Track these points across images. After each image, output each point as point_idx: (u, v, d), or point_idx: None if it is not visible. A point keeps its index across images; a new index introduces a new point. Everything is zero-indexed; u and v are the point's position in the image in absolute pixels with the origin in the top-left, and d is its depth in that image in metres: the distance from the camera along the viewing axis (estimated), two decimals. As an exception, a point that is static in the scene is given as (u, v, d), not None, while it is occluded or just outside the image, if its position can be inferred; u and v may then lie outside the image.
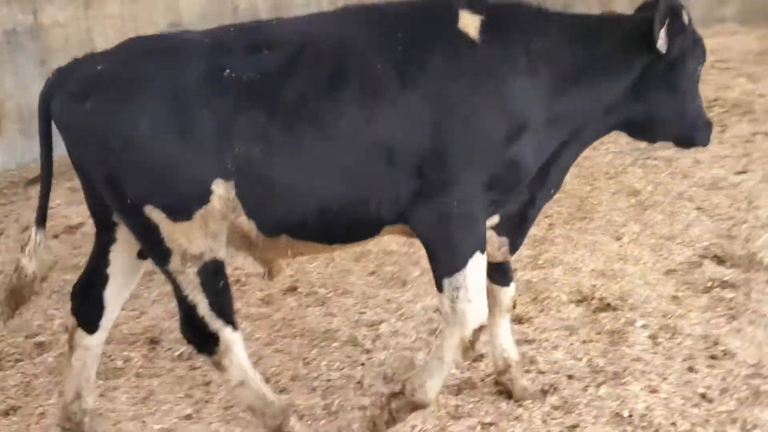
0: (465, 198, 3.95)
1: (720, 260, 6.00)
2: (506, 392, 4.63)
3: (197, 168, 3.81)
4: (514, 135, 3.96)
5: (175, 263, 3.95)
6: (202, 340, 4.08)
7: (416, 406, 4.18)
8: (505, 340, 4.63)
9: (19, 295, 4.18)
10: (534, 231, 6.55)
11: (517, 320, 5.34)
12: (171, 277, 4.03)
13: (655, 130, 4.41)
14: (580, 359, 4.88)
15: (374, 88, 3.87)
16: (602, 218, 6.95)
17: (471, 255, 3.98)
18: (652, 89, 4.20)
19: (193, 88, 3.81)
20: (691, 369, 4.67)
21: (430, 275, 5.75)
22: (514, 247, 4.45)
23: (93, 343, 4.36)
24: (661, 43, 4.01)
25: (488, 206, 4.09)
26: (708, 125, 4.42)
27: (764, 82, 11.02)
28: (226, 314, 4.06)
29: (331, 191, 3.92)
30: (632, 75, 4.14)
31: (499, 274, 4.50)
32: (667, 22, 4.00)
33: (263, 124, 3.80)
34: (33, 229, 4.13)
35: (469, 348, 4.09)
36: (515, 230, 4.39)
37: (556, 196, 4.59)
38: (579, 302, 5.57)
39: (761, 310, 5.18)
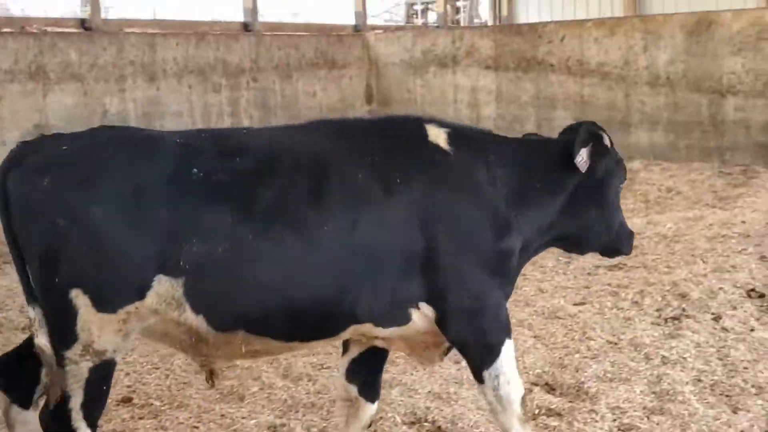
0: (476, 292, 4.30)
1: (550, 388, 6.18)
2: None
3: (141, 263, 3.88)
4: (501, 230, 4.37)
5: (74, 352, 3.94)
6: (59, 430, 4.02)
7: None
8: None
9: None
10: (376, 351, 6.72)
11: (348, 439, 5.43)
12: (60, 362, 3.97)
13: (586, 243, 4.95)
14: (405, 481, 4.95)
15: (358, 195, 4.13)
16: (444, 342, 7.10)
17: (503, 342, 4.38)
18: (582, 205, 4.70)
19: (156, 186, 3.92)
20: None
21: (269, 391, 5.90)
22: None
23: (29, 417, 4.30)
24: (581, 162, 4.47)
25: (502, 295, 4.44)
26: (630, 235, 5.00)
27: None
28: (93, 418, 4.06)
29: (304, 289, 4.07)
30: (566, 193, 4.63)
31: (369, 388, 4.80)
32: (590, 145, 4.51)
33: (230, 224, 3.93)
34: (29, 309, 4.09)
35: (526, 419, 4.48)
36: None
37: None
38: (412, 424, 5.65)
39: (580, 439, 5.36)
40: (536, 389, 6.11)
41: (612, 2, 23.93)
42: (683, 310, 7.52)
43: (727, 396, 5.88)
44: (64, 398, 3.99)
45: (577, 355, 6.73)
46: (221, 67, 15.06)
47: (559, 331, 7.29)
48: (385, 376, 6.25)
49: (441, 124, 4.56)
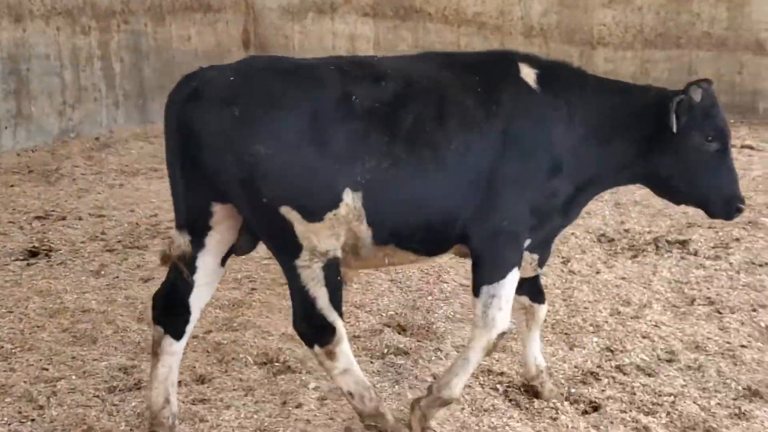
0: (513, 218, 4.70)
1: (401, 329, 6.42)
2: (534, 394, 5.34)
3: (332, 178, 4.38)
4: (554, 171, 4.74)
5: (303, 259, 4.46)
6: (318, 331, 4.57)
7: (444, 402, 4.84)
8: (537, 350, 5.36)
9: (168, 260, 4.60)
10: (235, 294, 6.91)
11: (199, 380, 5.59)
12: (294, 272, 4.50)
13: (669, 194, 5.16)
14: (250, 418, 5.13)
15: (469, 120, 4.61)
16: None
17: (510, 269, 4.74)
18: (658, 155, 4.87)
19: (330, 109, 4.40)
20: (348, 429, 5.01)
21: (122, 334, 6.02)
22: (542, 263, 5.20)
23: (178, 348, 4.79)
24: (675, 126, 4.71)
25: (528, 230, 4.79)
26: (729, 200, 4.93)
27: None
28: (340, 307, 4.60)
29: (438, 207, 4.61)
30: (637, 139, 4.88)
31: (536, 292, 5.31)
32: (677, 105, 4.71)
33: (387, 143, 4.43)
34: (175, 233, 4.54)
35: (491, 350, 4.85)
36: (544, 249, 5.15)
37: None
38: (263, 364, 5.84)
39: (422, 375, 5.62)
40: (387, 330, 6.35)
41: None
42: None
43: (566, 334, 6.25)
44: (311, 301, 4.51)
45: (429, 297, 7.02)
46: (90, 9, 14.75)
47: (415, 275, 7.55)
48: (240, 318, 6.49)
49: (534, 63, 4.92)
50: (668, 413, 5.08)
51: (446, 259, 7.85)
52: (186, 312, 4.72)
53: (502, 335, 4.81)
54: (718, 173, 4.89)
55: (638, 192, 9.21)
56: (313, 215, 4.40)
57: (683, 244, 8.09)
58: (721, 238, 8.18)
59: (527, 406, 5.22)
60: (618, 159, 4.95)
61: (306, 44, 18.11)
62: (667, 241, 8.16)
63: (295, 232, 4.41)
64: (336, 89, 4.45)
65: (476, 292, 4.79)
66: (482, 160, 4.61)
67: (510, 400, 5.32)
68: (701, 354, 5.90)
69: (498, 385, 5.51)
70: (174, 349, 4.74)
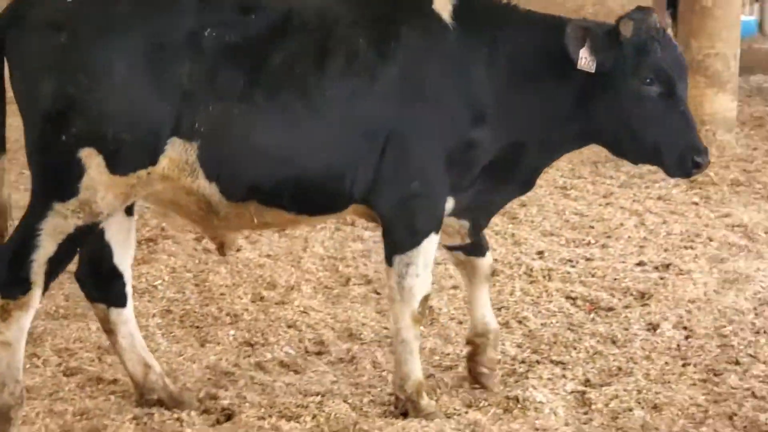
0: (426, 178, 4.79)
1: None
2: (471, 354, 5.49)
3: (158, 124, 4.45)
4: (473, 119, 4.81)
5: (67, 206, 4.47)
6: (13, 280, 4.49)
7: (418, 390, 5.03)
8: (484, 307, 5.44)
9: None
10: None
11: None
12: (43, 211, 4.48)
13: (620, 151, 5.15)
14: None
15: (357, 62, 4.68)
16: None
17: (427, 234, 4.85)
18: (593, 103, 4.87)
19: (174, 43, 4.46)
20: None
21: None
22: (475, 231, 5.29)
23: (129, 314, 5.04)
24: (584, 62, 4.69)
25: (447, 189, 4.86)
26: (685, 152, 4.81)
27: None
28: (50, 277, 4.58)
29: (312, 159, 4.69)
30: (572, 85, 4.85)
31: (472, 247, 5.34)
32: (587, 40, 4.69)
33: (245, 87, 4.51)
34: None
35: (419, 319, 5.01)
36: (478, 217, 5.26)
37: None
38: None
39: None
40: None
41: None
42: (162, 230, 7.77)
43: (197, 327, 6.23)
44: (29, 247, 4.48)
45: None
46: None
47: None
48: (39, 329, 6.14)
49: None
50: (314, 416, 5.14)
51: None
52: (118, 275, 4.96)
53: (425, 299, 5.02)
54: (666, 122, 4.86)
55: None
56: (119, 167, 4.46)
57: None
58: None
59: (146, 420, 5.13)
60: (556, 110, 4.96)
61: None
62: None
63: (82, 179, 4.45)
64: (187, 20, 4.52)
65: (389, 261, 4.95)
66: (374, 109, 4.72)
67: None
68: (355, 343, 6.06)
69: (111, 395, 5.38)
70: (125, 317, 5.01)
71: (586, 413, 5.23)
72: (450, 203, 5.00)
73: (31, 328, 6.00)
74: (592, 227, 8.13)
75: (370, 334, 6.20)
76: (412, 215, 4.87)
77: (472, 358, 5.47)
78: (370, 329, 6.26)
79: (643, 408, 5.27)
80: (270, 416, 5.15)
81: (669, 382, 5.56)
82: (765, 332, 6.18)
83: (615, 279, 7.05)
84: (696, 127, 4.97)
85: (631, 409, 5.25)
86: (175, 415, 5.14)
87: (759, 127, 12.68)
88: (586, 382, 5.57)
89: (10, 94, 4.67)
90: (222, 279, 6.96)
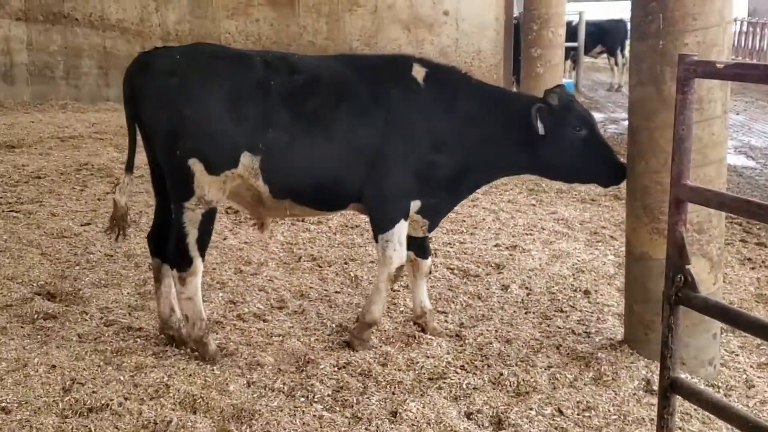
0: (397, 183, 5.00)
1: (51, 296, 6.07)
2: (422, 329, 5.53)
3: (236, 142, 4.76)
4: (434, 147, 5.00)
5: (191, 203, 4.82)
6: (181, 259, 4.91)
7: (369, 325, 5.25)
8: (422, 295, 5.56)
9: (120, 223, 5.13)
10: None
11: None
12: (180, 211, 4.84)
13: (560, 177, 5.38)
14: None
15: (358, 108, 4.94)
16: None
17: (398, 221, 5.06)
18: (540, 151, 4.98)
19: (248, 89, 4.77)
20: None
21: None
22: (431, 228, 5.42)
23: (170, 270, 5.10)
24: (540, 130, 4.87)
25: (413, 192, 5.05)
26: (614, 171, 5.02)
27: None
28: (203, 249, 4.95)
29: (326, 172, 4.94)
30: (521, 141, 5.00)
31: (420, 250, 5.48)
32: (537, 112, 4.87)
33: (290, 121, 4.80)
34: (123, 174, 5.08)
35: (393, 280, 5.23)
36: (434, 217, 5.36)
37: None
38: None
39: (68, 336, 5.36)
40: (37, 298, 5.98)
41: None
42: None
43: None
44: (183, 236, 4.86)
45: (77, 267, 6.68)
46: None
47: (64, 248, 7.17)
48: (87, 294, 6.07)
49: (426, 63, 5.19)
50: (277, 350, 5.20)
51: (93, 233, 7.56)
52: None
53: (400, 268, 5.16)
54: (596, 152, 4.99)
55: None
56: (214, 169, 4.75)
57: (293, 213, 8.30)
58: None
59: (161, 354, 5.11)
60: (500, 153, 5.11)
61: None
62: (280, 211, 8.34)
63: (194, 180, 4.74)
64: (257, 74, 4.80)
65: (375, 239, 5.15)
66: (367, 139, 4.91)
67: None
68: (305, 301, 6.10)
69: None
70: (169, 272, 5.10)
71: (461, 345, 5.33)
72: (417, 203, 5.14)
73: (81, 293, 6.07)
74: (464, 221, 8.22)
75: (315, 294, 6.23)
76: (388, 206, 5.06)
77: (424, 332, 5.51)
78: (315, 291, 6.29)
79: (499, 342, 5.39)
80: (247, 350, 5.19)
81: (516, 324, 5.68)
82: (579, 290, 6.34)
83: (479, 256, 7.15)
84: (612, 149, 5.11)
85: (491, 343, 5.36)
86: (182, 351, 5.15)
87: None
88: (461, 325, 5.67)
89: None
90: (213, 258, 6.92)
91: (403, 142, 4.99)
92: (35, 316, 5.65)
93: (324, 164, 4.93)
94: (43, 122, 13.91)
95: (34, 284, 6.27)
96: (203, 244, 4.93)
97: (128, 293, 6.15)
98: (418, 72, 5.12)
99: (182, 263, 4.92)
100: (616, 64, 20.39)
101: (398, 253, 5.11)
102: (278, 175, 4.88)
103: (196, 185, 4.77)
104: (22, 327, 5.48)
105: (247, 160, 4.80)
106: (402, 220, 5.09)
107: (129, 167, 5.04)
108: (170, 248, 4.96)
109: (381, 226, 5.11)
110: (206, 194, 4.80)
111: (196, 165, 4.74)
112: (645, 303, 4.91)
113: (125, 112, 4.94)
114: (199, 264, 4.94)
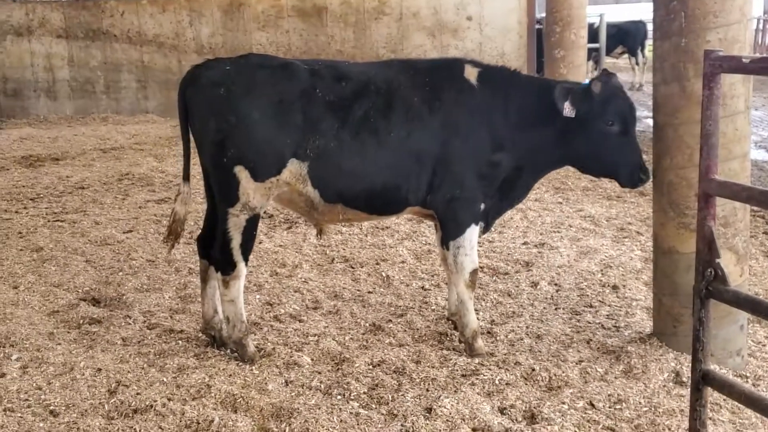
0: (466, 187, 4.84)
1: (95, 302, 6.09)
2: (454, 326, 5.44)
3: (283, 150, 4.70)
4: (494, 147, 4.86)
5: (236, 208, 4.78)
6: (225, 263, 4.89)
7: (474, 338, 5.07)
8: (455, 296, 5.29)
9: (176, 232, 5.06)
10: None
11: None
12: (226, 216, 4.81)
13: (588, 170, 5.14)
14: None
15: (412, 114, 4.81)
16: (4, 271, 6.73)
17: (468, 225, 4.94)
18: (572, 138, 4.84)
19: (294, 97, 4.69)
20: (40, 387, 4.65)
21: None
22: (486, 229, 5.23)
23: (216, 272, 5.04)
24: (567, 111, 4.73)
25: (481, 194, 4.89)
26: (632, 170, 4.83)
27: (168, 160, 11.52)
28: (246, 254, 4.91)
29: (378, 178, 4.81)
30: (557, 126, 4.83)
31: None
32: (569, 96, 4.72)
33: (338, 128, 4.71)
34: (181, 183, 5.04)
35: (471, 286, 5.04)
36: (491, 219, 5.21)
37: None
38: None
39: (113, 339, 5.37)
40: (83, 304, 6.00)
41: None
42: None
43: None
44: (227, 240, 4.83)
45: (120, 273, 6.71)
46: None
47: (108, 254, 7.20)
48: (130, 299, 6.07)
49: (477, 64, 5.06)
50: (313, 349, 5.17)
51: (135, 240, 7.59)
52: None
53: (474, 272, 5.03)
54: (622, 151, 4.82)
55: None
56: (258, 176, 4.70)
57: (326, 216, 8.27)
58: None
59: (202, 356, 5.10)
60: (543, 143, 4.95)
61: (7, 62, 16.85)
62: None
63: (239, 187, 4.71)
64: (303, 83, 4.72)
65: (446, 246, 5.02)
66: (424, 144, 4.80)
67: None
68: (339, 301, 6.07)
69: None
70: (215, 273, 5.04)
71: (493, 342, 5.27)
72: (482, 205, 5.01)
73: (124, 298, 6.09)
74: (493, 220, 8.13)
75: (349, 294, 6.20)
76: (458, 212, 4.94)
77: (455, 327, 5.42)
78: (349, 291, 6.27)
79: (530, 338, 5.32)
80: (284, 350, 5.17)
81: (546, 320, 5.61)
82: (608, 285, 6.25)
83: (508, 254, 7.08)
84: (641, 154, 4.89)
85: (522, 339, 5.30)
86: (222, 352, 5.14)
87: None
88: (492, 322, 5.61)
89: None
90: (250, 262, 6.83)
91: (466, 144, 4.86)
92: (81, 321, 5.67)
93: (374, 170, 4.82)
94: (86, 135, 14.01)
95: (80, 290, 6.30)
96: (247, 249, 4.90)
97: (169, 297, 6.16)
98: (471, 72, 5.00)
99: (226, 267, 4.90)
100: (637, 63, 20.20)
101: (470, 257, 5.01)
102: (328, 179, 4.81)
103: (241, 192, 4.74)
104: (68, 332, 5.50)
105: (294, 167, 4.75)
106: (473, 225, 4.98)
107: (186, 176, 5.03)
108: (215, 252, 4.95)
109: (452, 232, 4.99)
110: (251, 201, 4.76)
111: (242, 172, 4.71)
112: (673, 296, 4.82)
113: (180, 123, 4.94)
114: (242, 268, 4.92)
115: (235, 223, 4.81)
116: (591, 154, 4.91)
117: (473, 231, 4.99)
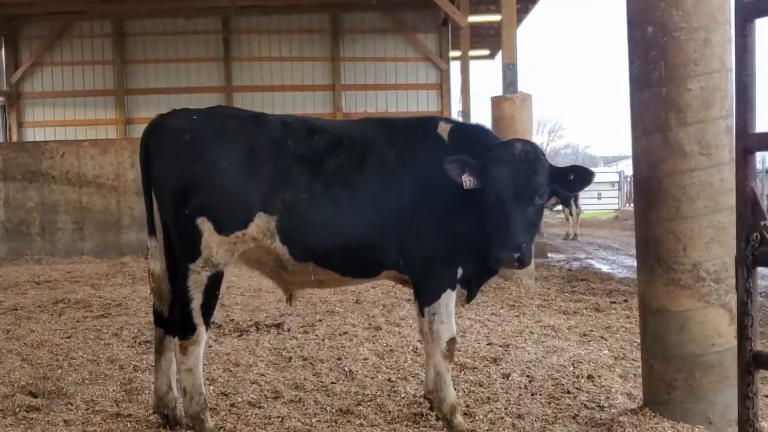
0: (439, 249, 4.50)
1: (33, 394, 5.47)
2: (430, 406, 4.93)
3: (250, 202, 4.38)
4: (468, 202, 4.43)
5: (198, 264, 4.39)
6: (183, 327, 4.44)
7: (453, 410, 4.66)
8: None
9: (162, 291, 4.63)
10: None
11: None
12: (185, 273, 4.41)
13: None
14: None
15: (386, 169, 4.54)
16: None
17: (444, 290, 4.56)
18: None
19: (264, 148, 4.42)
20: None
21: None
22: (470, 298, 4.85)
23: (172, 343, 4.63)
24: (466, 185, 4.36)
25: (457, 257, 4.54)
26: (494, 251, 4.17)
27: (106, 288, 10.98)
28: (207, 316, 4.46)
29: (351, 233, 4.48)
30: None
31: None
32: (465, 171, 4.35)
33: (309, 181, 4.43)
34: (148, 240, 4.61)
35: (448, 356, 4.66)
36: (472, 288, 4.80)
37: None
38: None
39: (54, 421, 4.80)
40: (18, 394, 5.40)
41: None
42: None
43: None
44: (187, 300, 4.41)
45: (59, 371, 6.11)
46: None
47: (45, 355, 6.59)
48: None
49: (450, 122, 4.82)
50: (278, 429, 4.67)
51: (78, 343, 7.01)
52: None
53: (452, 341, 4.63)
54: (492, 223, 4.29)
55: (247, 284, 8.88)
56: (222, 229, 4.37)
57: (278, 326, 7.85)
58: (307, 321, 8.08)
59: None
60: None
61: (-59, 204, 16.37)
62: (266, 325, 7.90)
63: (201, 240, 4.36)
64: (273, 134, 4.48)
65: (420, 313, 4.64)
66: (397, 200, 4.50)
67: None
68: (301, 391, 5.58)
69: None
70: (171, 344, 4.64)
71: (472, 421, 4.86)
72: (459, 271, 4.64)
73: (65, 390, 5.50)
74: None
75: (311, 386, 5.72)
76: (433, 276, 4.58)
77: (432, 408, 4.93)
78: (310, 383, 5.78)
79: (511, 417, 4.93)
80: (246, 429, 4.64)
81: (524, 404, 5.23)
82: (582, 377, 5.90)
83: (474, 351, 6.73)
84: (514, 230, 4.15)
85: (502, 418, 4.91)
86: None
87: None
88: (467, 407, 5.19)
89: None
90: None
91: (436, 202, 4.52)
92: (17, 410, 5.07)
93: (346, 225, 4.48)
94: (18, 272, 13.38)
95: (15, 385, 5.69)
96: (208, 310, 4.46)
97: (114, 390, 5.59)
98: (444, 129, 4.74)
99: (185, 330, 4.45)
100: (571, 214, 20.65)
101: (447, 325, 4.60)
102: (297, 234, 4.46)
103: (203, 245, 4.38)
104: (3, 418, 4.89)
105: (261, 220, 4.41)
106: (449, 290, 4.60)
107: (151, 230, 4.62)
108: (174, 314, 4.51)
109: (426, 297, 4.60)
110: (214, 256, 4.39)
111: (204, 224, 4.36)
112: (665, 360, 4.53)
113: (141, 175, 4.59)
114: (202, 332, 4.47)
115: (196, 281, 4.41)
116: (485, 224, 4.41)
117: (450, 297, 4.63)
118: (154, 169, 4.48)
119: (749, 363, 2.46)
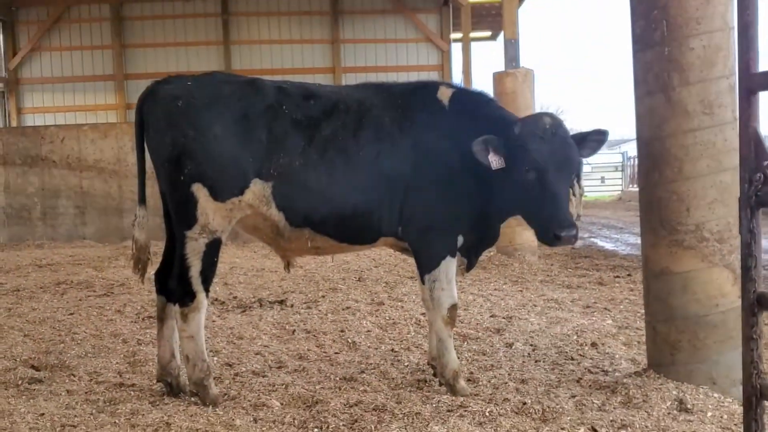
0: (439, 217, 4.49)
1: (35, 367, 5.48)
2: (434, 372, 5.00)
3: (245, 168, 4.35)
4: (467, 169, 4.42)
5: (194, 231, 4.38)
6: (183, 294, 4.44)
7: (455, 375, 4.69)
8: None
9: (142, 261, 4.61)
10: None
11: None
12: (183, 240, 4.40)
13: (525, 220, 4.48)
14: None
15: (382, 134, 4.51)
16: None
17: (443, 257, 4.55)
18: (501, 185, 4.38)
19: (259, 114, 4.39)
20: None
21: None
22: (469, 267, 4.88)
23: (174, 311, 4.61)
24: (494, 166, 4.27)
25: (457, 224, 4.55)
26: (546, 229, 4.13)
27: (109, 270, 10.99)
28: (206, 283, 4.45)
29: (346, 200, 4.45)
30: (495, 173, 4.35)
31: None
32: (489, 151, 4.26)
33: (303, 146, 4.40)
34: (137, 207, 4.60)
35: (449, 322, 4.66)
36: (471, 257, 4.83)
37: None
38: None
39: (57, 391, 4.79)
40: (21, 367, 5.42)
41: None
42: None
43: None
44: (186, 267, 4.40)
45: (62, 345, 6.12)
46: None
47: (47, 331, 6.61)
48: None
49: (452, 87, 4.77)
50: (283, 395, 4.69)
51: (81, 319, 7.03)
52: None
53: (453, 308, 4.64)
54: (537, 201, 4.19)
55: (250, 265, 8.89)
56: (218, 195, 4.35)
57: (281, 302, 7.86)
58: (310, 297, 8.10)
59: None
60: (497, 184, 4.44)
61: (-59, 190, 16.39)
62: (269, 302, 7.92)
63: (197, 207, 4.34)
64: (268, 100, 4.44)
65: (421, 281, 4.66)
66: (394, 166, 4.47)
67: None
68: (305, 361, 5.60)
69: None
70: (173, 312, 4.62)
71: (476, 386, 4.87)
72: (460, 239, 4.66)
73: (67, 363, 5.52)
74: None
75: (314, 356, 5.74)
76: (432, 243, 4.60)
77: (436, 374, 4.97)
78: (314, 353, 5.81)
79: (514, 382, 4.94)
80: (251, 395, 4.66)
81: (528, 370, 5.24)
82: (585, 344, 5.92)
83: (477, 323, 6.75)
84: (565, 206, 4.19)
85: (506, 383, 4.92)
86: (181, 400, 4.61)
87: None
88: (471, 374, 5.20)
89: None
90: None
91: (434, 169, 4.50)
92: (19, 382, 5.09)
93: (342, 191, 4.47)
94: (20, 256, 13.41)
95: (17, 359, 5.70)
96: (207, 277, 4.46)
97: (117, 362, 5.61)
98: (444, 94, 4.71)
99: (185, 297, 4.46)
100: (574, 194, 20.57)
101: (447, 292, 4.62)
102: (293, 201, 4.45)
103: (199, 212, 4.36)
104: (5, 389, 4.91)
105: (257, 187, 4.39)
106: (449, 257, 4.60)
107: (141, 199, 4.62)
108: (173, 282, 4.51)
109: (427, 264, 4.62)
110: (210, 222, 4.38)
111: (199, 190, 4.34)
112: (669, 321, 4.53)
113: (135, 141, 4.56)
114: (202, 299, 4.47)
115: (194, 248, 4.41)
116: (518, 203, 4.40)
117: (450, 264, 4.64)
118: (150, 135, 4.45)
119: (753, 304, 2.46)
